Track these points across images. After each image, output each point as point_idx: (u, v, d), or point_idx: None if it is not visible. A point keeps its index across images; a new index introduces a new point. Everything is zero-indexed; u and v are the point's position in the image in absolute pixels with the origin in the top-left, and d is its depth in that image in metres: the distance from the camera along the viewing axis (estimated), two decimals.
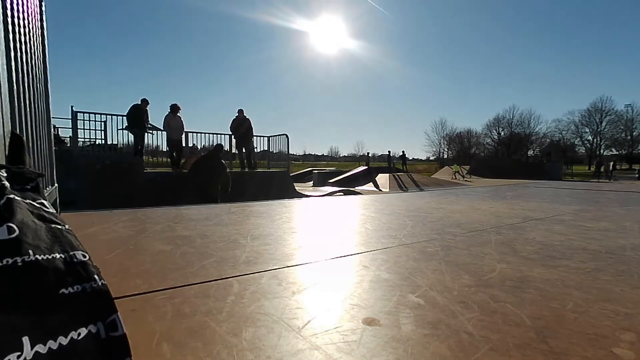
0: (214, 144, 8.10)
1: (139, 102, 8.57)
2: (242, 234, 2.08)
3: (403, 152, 22.79)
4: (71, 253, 0.62)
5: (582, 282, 1.28)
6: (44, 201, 0.72)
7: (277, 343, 0.82)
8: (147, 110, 8.64)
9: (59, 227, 0.67)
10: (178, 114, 8.98)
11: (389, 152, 22.48)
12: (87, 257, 0.63)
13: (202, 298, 1.08)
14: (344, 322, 0.93)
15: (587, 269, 1.44)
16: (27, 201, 0.68)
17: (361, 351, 0.78)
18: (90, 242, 1.79)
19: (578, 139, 51.78)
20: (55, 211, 0.72)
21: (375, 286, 1.22)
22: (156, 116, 9.12)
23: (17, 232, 0.57)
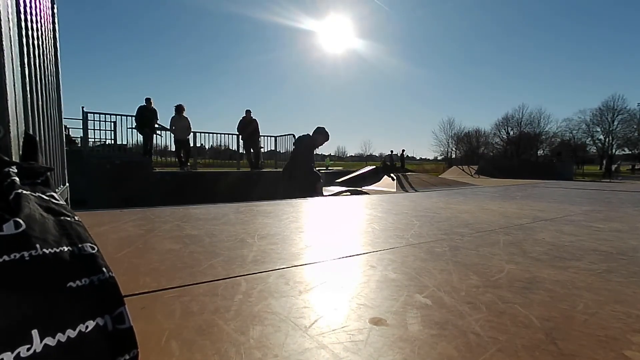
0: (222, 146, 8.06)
1: (144, 103, 8.67)
2: (249, 233, 2.09)
3: (391, 151, 22.48)
4: (79, 245, 0.62)
5: (593, 283, 1.27)
6: (53, 194, 0.73)
7: (284, 342, 0.82)
8: (154, 109, 8.72)
9: (68, 218, 0.67)
10: (184, 114, 9.07)
11: (392, 151, 22.37)
12: (96, 249, 0.64)
13: (210, 296, 1.09)
14: (351, 321, 0.93)
15: (598, 270, 1.42)
16: (37, 194, 0.69)
17: (368, 350, 0.79)
18: (101, 240, 1.81)
19: (589, 139, 50.84)
20: (64, 203, 0.73)
21: (382, 286, 1.22)
22: (164, 117, 9.22)
23: (24, 226, 0.57)
